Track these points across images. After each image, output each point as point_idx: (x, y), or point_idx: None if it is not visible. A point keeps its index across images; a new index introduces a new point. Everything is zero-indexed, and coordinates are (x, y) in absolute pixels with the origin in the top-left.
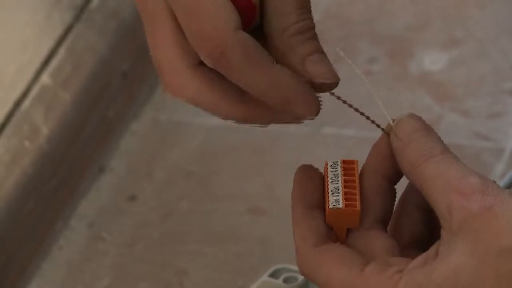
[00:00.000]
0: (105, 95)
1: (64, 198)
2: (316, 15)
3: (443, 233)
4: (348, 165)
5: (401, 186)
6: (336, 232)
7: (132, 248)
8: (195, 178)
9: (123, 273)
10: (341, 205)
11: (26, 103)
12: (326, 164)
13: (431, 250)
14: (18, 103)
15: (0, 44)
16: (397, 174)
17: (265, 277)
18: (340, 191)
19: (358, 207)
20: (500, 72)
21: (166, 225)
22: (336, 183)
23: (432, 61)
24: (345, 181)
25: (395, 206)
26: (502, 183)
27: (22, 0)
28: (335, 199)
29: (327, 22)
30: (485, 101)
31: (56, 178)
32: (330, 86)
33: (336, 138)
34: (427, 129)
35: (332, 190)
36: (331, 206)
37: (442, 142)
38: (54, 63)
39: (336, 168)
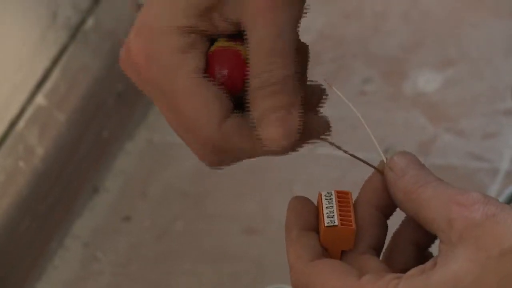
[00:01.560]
0: (100, 116)
1: (58, 218)
2: (311, 36)
3: (441, 246)
4: (342, 194)
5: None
6: (331, 254)
7: (127, 268)
8: (189, 198)
9: None
10: (336, 223)
11: (21, 123)
12: (320, 194)
13: (429, 262)
14: (12, 124)
15: None
16: (390, 207)
17: None
18: (335, 213)
19: (354, 226)
20: (494, 92)
21: (161, 245)
22: (331, 208)
23: (426, 81)
24: (339, 206)
25: (388, 241)
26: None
27: (17, 20)
28: (330, 219)
29: (321, 43)
30: (479, 121)
31: (51, 198)
32: (281, 149)
33: (331, 159)
34: (420, 164)
35: (327, 213)
36: (326, 224)
37: (435, 175)
38: (49, 83)
39: (330, 196)
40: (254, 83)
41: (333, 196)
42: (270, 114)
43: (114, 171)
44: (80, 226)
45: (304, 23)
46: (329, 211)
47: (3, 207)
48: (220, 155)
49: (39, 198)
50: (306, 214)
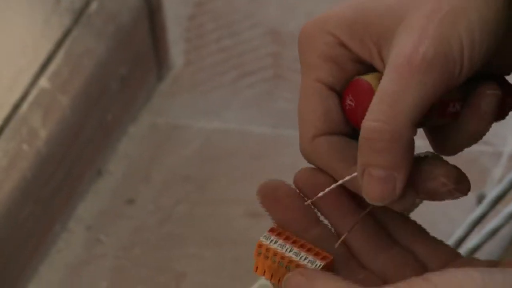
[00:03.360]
0: (103, 99)
1: (62, 201)
2: None
3: None
4: (276, 232)
5: None
6: None
7: (130, 251)
8: (193, 182)
9: (121, 276)
10: (319, 263)
11: (24, 106)
12: (260, 242)
13: None
14: (16, 107)
15: None
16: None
17: (262, 281)
18: (302, 253)
19: (330, 256)
20: None
21: (164, 229)
22: (291, 250)
23: None
24: (292, 242)
25: None
26: (500, 187)
27: (21, 4)
28: (311, 262)
29: None
30: None
31: (54, 181)
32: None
33: None
34: (302, 274)
35: (296, 257)
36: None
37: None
38: (52, 67)
39: (271, 239)
40: (363, 129)
41: (276, 238)
42: (371, 170)
43: (118, 155)
44: (83, 210)
45: None
46: (295, 254)
47: (6, 190)
48: (310, 162)
49: (43, 181)
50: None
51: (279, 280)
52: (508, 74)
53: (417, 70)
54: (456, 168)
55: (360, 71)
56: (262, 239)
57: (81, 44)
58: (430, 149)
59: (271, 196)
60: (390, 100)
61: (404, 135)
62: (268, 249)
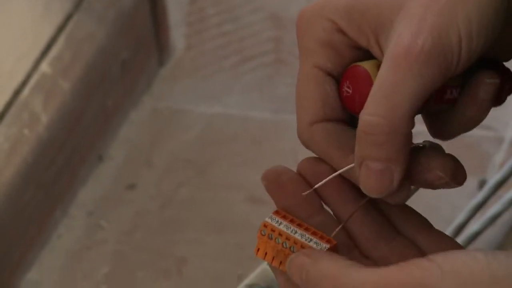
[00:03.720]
0: (104, 84)
1: (63, 186)
2: None
3: None
4: (281, 214)
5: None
6: None
7: (131, 236)
8: (194, 167)
9: (122, 261)
10: (324, 246)
11: (26, 91)
12: (266, 222)
13: None
14: (17, 92)
15: (0, 32)
16: None
17: (265, 265)
18: (308, 235)
19: (334, 241)
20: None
21: (165, 214)
22: (296, 232)
23: None
24: (297, 225)
25: None
26: (501, 172)
27: None
28: (315, 242)
29: None
30: None
31: (56, 166)
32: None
33: None
34: (307, 255)
35: (302, 238)
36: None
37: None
38: (53, 51)
39: (277, 220)
40: (361, 122)
41: (281, 219)
42: (369, 163)
43: (119, 139)
44: (84, 195)
45: None
46: (300, 235)
47: (8, 175)
48: (308, 149)
49: (44, 166)
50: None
51: (280, 263)
52: (506, 60)
53: (415, 61)
54: (452, 159)
55: (357, 57)
56: (268, 220)
57: (82, 29)
58: (429, 135)
59: (275, 182)
60: (387, 92)
61: (402, 128)
62: (273, 230)
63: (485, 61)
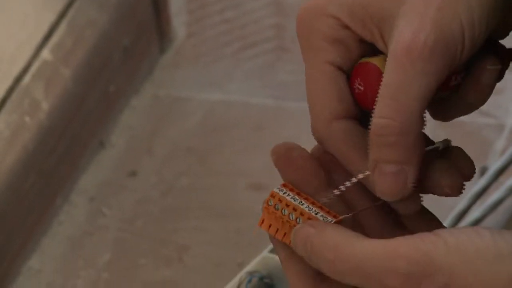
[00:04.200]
0: (106, 71)
1: (64, 173)
2: None
3: None
4: (289, 186)
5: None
6: None
7: (133, 223)
8: (195, 154)
9: (124, 248)
10: (329, 219)
11: (27, 78)
12: (274, 192)
13: None
14: (18, 79)
15: (1, 19)
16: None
17: (265, 253)
18: (314, 208)
19: (339, 216)
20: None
21: (166, 201)
22: (303, 204)
23: None
24: (305, 199)
25: None
26: (502, 159)
27: None
28: (321, 216)
29: None
30: None
31: (57, 153)
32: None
33: None
34: (313, 226)
35: (309, 210)
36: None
37: (339, 227)
38: (54, 38)
39: (284, 191)
40: (372, 125)
41: (288, 191)
42: (382, 166)
43: (120, 126)
44: (85, 181)
45: None
46: (307, 207)
47: (9, 162)
48: (323, 145)
49: (45, 153)
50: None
51: (284, 235)
52: (501, 38)
53: (418, 59)
54: (462, 173)
55: (365, 51)
56: (276, 190)
57: (83, 16)
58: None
59: (284, 156)
60: (394, 93)
61: (412, 127)
62: (280, 200)
63: (487, 43)
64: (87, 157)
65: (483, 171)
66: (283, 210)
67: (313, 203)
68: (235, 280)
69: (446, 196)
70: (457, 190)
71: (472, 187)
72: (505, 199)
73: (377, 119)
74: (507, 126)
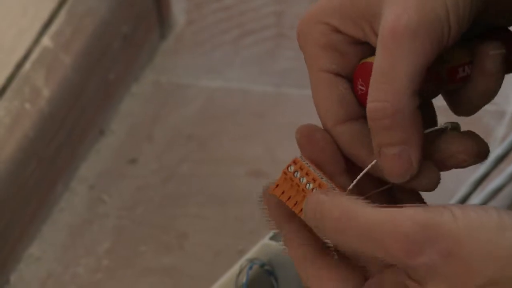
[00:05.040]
0: (106, 58)
1: (64, 161)
2: None
3: (409, 282)
4: (309, 159)
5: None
6: None
7: (133, 211)
8: (195, 141)
9: (124, 235)
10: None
11: (27, 66)
12: (297, 158)
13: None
14: (19, 66)
15: (1, 7)
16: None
17: (265, 240)
18: (331, 184)
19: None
20: None
21: (167, 188)
22: (322, 177)
23: None
24: (323, 173)
25: None
26: (503, 146)
27: None
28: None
29: None
30: None
31: (57, 140)
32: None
33: None
34: (325, 193)
35: (330, 185)
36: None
37: (349, 198)
38: (54, 26)
39: (306, 162)
40: (367, 111)
41: (310, 163)
42: (385, 150)
43: (120, 114)
44: (86, 169)
45: None
46: (326, 181)
47: (9, 150)
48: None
49: (45, 141)
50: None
51: (295, 203)
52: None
53: (402, 38)
54: (475, 140)
55: (360, 53)
56: (299, 157)
57: (83, 3)
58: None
59: (308, 136)
60: (383, 75)
61: (406, 106)
62: (301, 168)
63: (493, 31)
64: (87, 144)
65: None
66: (301, 178)
67: (331, 179)
68: (236, 267)
69: (464, 165)
70: (476, 156)
71: (472, 174)
72: (505, 186)
73: (370, 104)
74: (507, 113)
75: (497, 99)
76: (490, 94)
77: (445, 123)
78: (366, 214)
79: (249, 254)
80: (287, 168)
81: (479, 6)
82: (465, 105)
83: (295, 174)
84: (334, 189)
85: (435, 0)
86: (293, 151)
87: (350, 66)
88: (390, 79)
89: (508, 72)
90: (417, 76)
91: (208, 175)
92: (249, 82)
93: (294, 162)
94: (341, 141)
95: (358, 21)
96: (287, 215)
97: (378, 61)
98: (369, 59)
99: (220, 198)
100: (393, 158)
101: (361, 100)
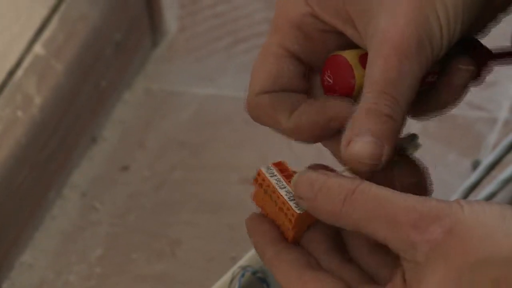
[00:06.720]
0: (98, 65)
1: (57, 168)
2: None
3: (405, 264)
4: (280, 167)
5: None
6: (296, 236)
7: (125, 218)
8: (188, 148)
9: (116, 243)
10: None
11: (19, 73)
12: (260, 170)
13: (396, 280)
14: (11, 73)
15: None
16: None
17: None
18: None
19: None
20: (492, 40)
21: (159, 195)
22: (284, 187)
23: None
24: (289, 182)
25: None
26: (495, 153)
27: None
28: (294, 203)
29: None
30: None
31: (49, 148)
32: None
33: None
34: (326, 174)
35: (286, 195)
36: (298, 211)
37: (348, 178)
38: (47, 32)
39: (272, 172)
40: (363, 102)
41: (276, 172)
42: (366, 136)
43: (112, 121)
44: (78, 176)
45: None
46: (286, 192)
47: (1, 157)
48: (255, 120)
49: (37, 148)
50: (268, 227)
51: (267, 213)
52: (477, 33)
53: (406, 56)
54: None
55: (329, 42)
56: (263, 169)
57: (75, 10)
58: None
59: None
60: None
61: (404, 117)
62: (264, 180)
63: (462, 42)
64: (79, 151)
65: (476, 165)
66: (265, 189)
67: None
68: (228, 275)
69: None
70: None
71: (464, 181)
72: (498, 193)
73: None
74: (499, 119)
75: (489, 106)
76: (449, 106)
77: (411, 133)
78: (376, 189)
79: (242, 262)
80: (255, 181)
81: (467, 22)
82: (423, 110)
83: (261, 184)
84: (292, 200)
85: (430, 15)
86: (285, 158)
87: (314, 53)
88: (395, 91)
89: (476, 85)
90: (414, 91)
91: (201, 182)
92: (241, 89)
93: (259, 174)
94: (261, 106)
95: (341, 12)
96: (271, 240)
97: (374, 72)
98: (341, 53)
99: (213, 205)
100: (373, 145)
101: (326, 91)
